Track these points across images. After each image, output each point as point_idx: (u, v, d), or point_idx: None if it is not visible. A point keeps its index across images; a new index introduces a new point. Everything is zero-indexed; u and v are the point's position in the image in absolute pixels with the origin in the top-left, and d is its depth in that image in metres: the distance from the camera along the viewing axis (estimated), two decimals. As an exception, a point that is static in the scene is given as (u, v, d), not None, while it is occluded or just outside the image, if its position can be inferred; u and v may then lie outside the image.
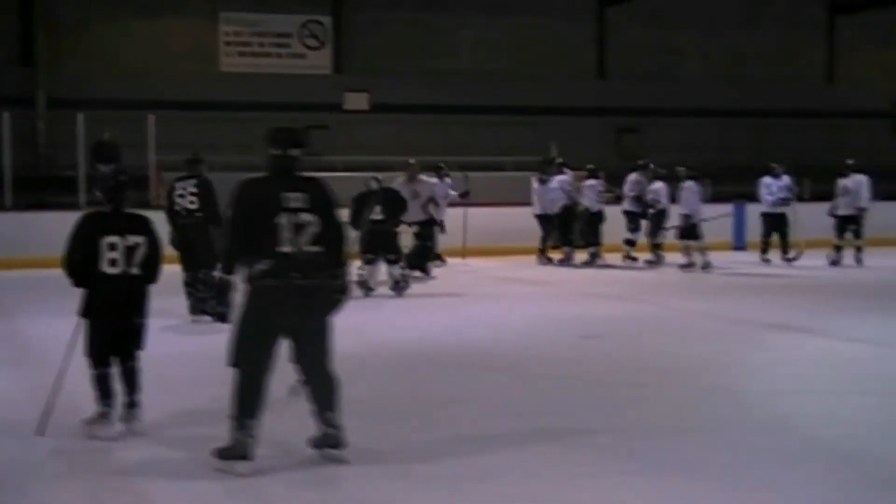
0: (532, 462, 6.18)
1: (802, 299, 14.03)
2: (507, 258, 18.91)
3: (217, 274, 6.15)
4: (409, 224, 15.47)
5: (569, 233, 18.34)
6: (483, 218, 18.98)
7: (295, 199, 5.92)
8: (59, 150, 22.75)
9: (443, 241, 17.70)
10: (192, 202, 11.56)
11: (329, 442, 6.04)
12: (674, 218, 18.13)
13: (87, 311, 6.68)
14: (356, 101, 26.75)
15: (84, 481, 5.91)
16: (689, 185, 17.65)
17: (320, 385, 6.02)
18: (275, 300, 5.81)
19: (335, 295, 5.95)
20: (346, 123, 26.11)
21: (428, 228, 16.53)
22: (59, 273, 6.80)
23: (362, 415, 6.85)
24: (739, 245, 21.30)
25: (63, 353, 6.84)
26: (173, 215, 11.58)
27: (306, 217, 5.90)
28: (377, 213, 13.87)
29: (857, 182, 18.28)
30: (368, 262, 14.03)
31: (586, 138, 27.06)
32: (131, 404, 6.76)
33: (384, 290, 14.20)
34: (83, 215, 6.86)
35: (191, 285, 11.58)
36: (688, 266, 17.45)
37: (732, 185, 21.30)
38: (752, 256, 19.15)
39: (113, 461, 6.26)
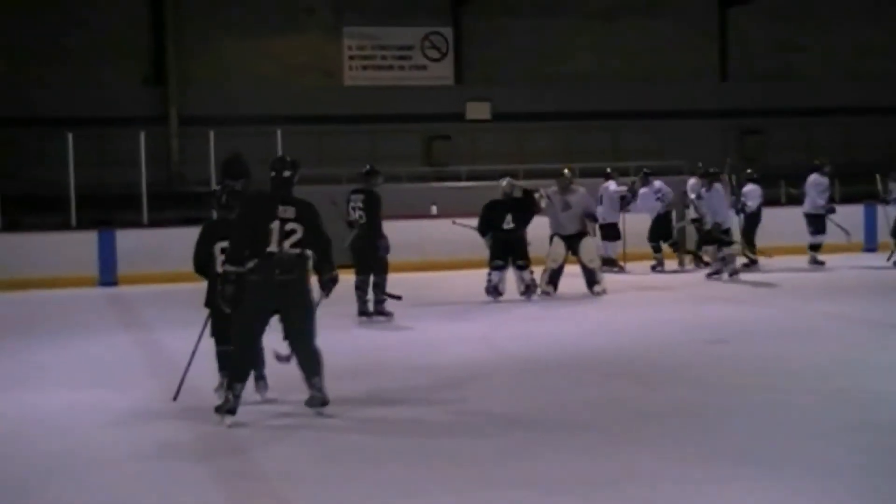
0: (667, 465, 6.17)
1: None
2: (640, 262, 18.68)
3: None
4: (562, 237, 14.69)
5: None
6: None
7: (284, 210, 7.47)
8: (191, 166, 23.35)
9: (609, 246, 17.87)
10: (360, 216, 12.57)
11: (315, 402, 7.53)
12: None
13: (208, 302, 7.96)
14: (478, 110, 26.91)
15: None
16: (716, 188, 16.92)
17: (306, 357, 7.53)
18: (261, 291, 7.38)
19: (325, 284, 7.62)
20: (468, 133, 26.28)
21: (576, 242, 14.75)
22: (193, 286, 7.99)
23: (489, 420, 6.91)
24: (870, 246, 20.81)
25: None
26: (350, 225, 12.65)
27: (292, 225, 7.45)
28: (508, 222, 14.13)
29: None
30: (497, 268, 14.27)
31: (708, 141, 26.75)
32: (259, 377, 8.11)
33: (514, 295, 14.35)
34: (203, 225, 8.31)
35: (360, 289, 12.62)
36: (714, 273, 16.61)
37: (861, 185, 20.85)
38: (881, 258, 18.73)
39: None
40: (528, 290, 14.34)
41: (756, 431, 6.95)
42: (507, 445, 6.73)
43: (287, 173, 7.69)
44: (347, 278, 12.29)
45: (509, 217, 14.12)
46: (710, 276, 16.63)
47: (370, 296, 12.68)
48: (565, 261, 14.76)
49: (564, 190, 14.83)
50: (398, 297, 12.87)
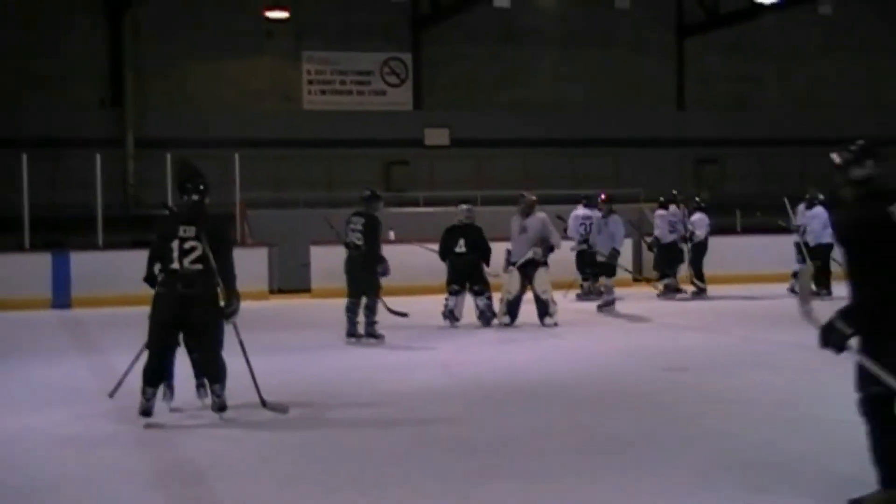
0: (626, 494, 6.13)
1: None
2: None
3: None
4: (514, 263, 14.24)
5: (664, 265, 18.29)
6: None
7: (185, 230, 8.11)
8: (147, 188, 23.19)
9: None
10: (358, 238, 12.80)
11: (215, 407, 8.28)
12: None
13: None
14: (437, 136, 27.00)
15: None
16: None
17: (209, 365, 8.30)
18: (165, 303, 8.15)
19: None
20: (426, 158, 26.34)
21: (530, 270, 14.30)
22: (145, 311, 8.28)
23: (450, 446, 6.84)
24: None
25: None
26: (346, 246, 12.96)
27: (192, 243, 8.07)
28: (461, 246, 14.28)
29: None
30: (453, 293, 14.38)
31: (665, 169, 26.95)
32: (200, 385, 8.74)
33: (473, 320, 14.37)
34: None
35: (351, 311, 12.85)
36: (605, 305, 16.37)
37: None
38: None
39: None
40: (483, 316, 14.33)
41: (714, 460, 6.93)
42: (463, 471, 6.66)
43: (194, 196, 8.30)
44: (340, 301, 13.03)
45: (462, 242, 14.25)
46: (600, 308, 16.29)
47: (360, 318, 12.87)
48: (523, 290, 14.31)
49: (524, 214, 14.39)
50: (404, 315, 13.45)
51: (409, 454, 7.19)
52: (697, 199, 18.93)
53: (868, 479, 5.77)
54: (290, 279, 19.56)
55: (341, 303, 13.16)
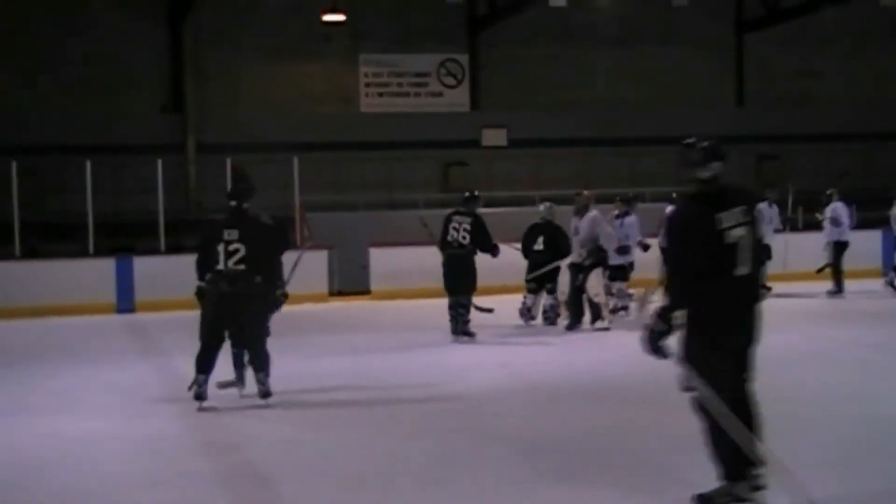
0: (693, 490, 6.15)
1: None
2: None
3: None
4: (571, 266, 13.94)
5: None
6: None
7: (229, 233, 8.94)
8: (209, 193, 23.41)
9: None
10: (464, 237, 13.19)
11: (261, 394, 9.07)
12: None
13: None
14: (494, 136, 26.96)
15: None
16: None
17: (255, 356, 9.12)
18: (211, 300, 8.99)
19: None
20: (484, 159, 26.31)
21: (584, 272, 13.79)
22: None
23: (508, 446, 6.89)
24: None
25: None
26: (445, 245, 13.31)
27: (236, 245, 8.90)
28: (539, 244, 14.50)
29: None
30: (531, 290, 14.63)
31: (726, 167, 26.71)
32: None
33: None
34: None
35: (454, 309, 13.21)
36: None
37: (881, 210, 20.73)
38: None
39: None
40: (546, 315, 14.51)
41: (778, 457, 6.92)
42: (529, 473, 6.70)
43: (233, 202, 9.16)
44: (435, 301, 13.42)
45: (540, 239, 14.47)
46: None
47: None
48: (580, 292, 13.88)
49: (577, 213, 14.05)
50: (489, 311, 13.68)
51: (469, 453, 7.24)
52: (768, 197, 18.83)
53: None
54: (349, 281, 19.68)
55: (400, 304, 13.26)
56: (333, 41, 26.30)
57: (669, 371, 8.99)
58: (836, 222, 17.66)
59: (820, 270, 18.00)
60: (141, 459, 7.41)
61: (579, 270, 13.75)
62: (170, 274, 17.93)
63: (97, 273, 18.06)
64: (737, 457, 5.60)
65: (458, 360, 11.75)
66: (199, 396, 8.99)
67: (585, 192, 14.35)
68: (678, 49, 28.05)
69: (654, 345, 5.59)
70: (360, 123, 26.14)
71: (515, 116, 26.85)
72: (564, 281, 14.16)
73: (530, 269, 14.50)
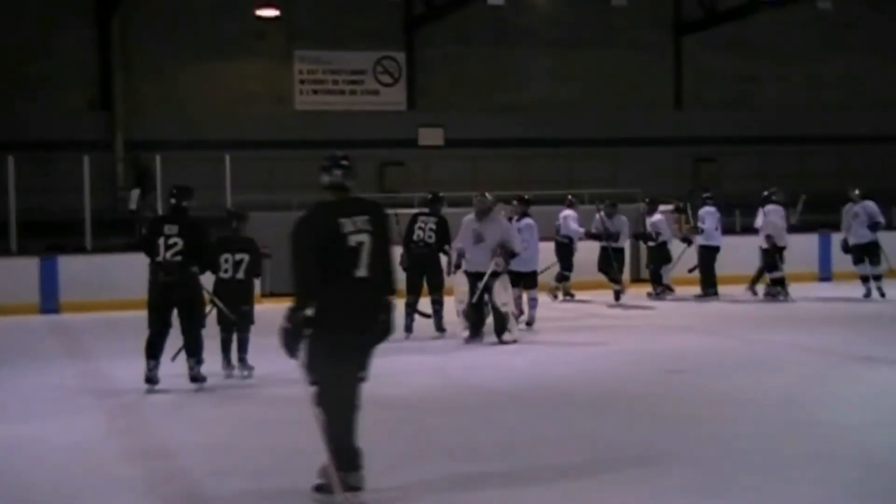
0: (613, 499, 6.14)
1: (888, 330, 13.86)
2: (587, 292, 18.75)
3: None
4: (471, 274, 13.14)
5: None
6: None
7: (169, 228, 9.99)
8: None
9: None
10: (430, 236, 13.60)
11: (191, 377, 10.03)
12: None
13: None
14: (431, 136, 26.95)
15: None
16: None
17: (190, 342, 10.05)
18: (156, 290, 9.96)
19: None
20: (421, 159, 26.27)
21: (490, 280, 13.04)
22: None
23: (442, 454, 6.85)
24: (825, 276, 21.03)
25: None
26: (409, 244, 13.62)
27: (174, 240, 9.89)
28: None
29: None
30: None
31: (662, 169, 26.97)
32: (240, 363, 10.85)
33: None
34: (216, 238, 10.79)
35: (411, 307, 13.65)
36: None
37: (817, 214, 21.02)
38: (837, 288, 18.92)
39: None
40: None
41: (709, 462, 6.94)
42: (457, 478, 6.66)
43: (173, 200, 10.21)
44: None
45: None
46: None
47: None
48: (480, 299, 13.15)
49: (480, 216, 13.14)
50: (429, 316, 13.77)
51: (403, 459, 7.19)
52: (707, 194, 19.10)
53: (873, 483, 5.77)
54: (282, 282, 19.48)
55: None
56: (267, 38, 26.13)
57: (601, 374, 8.96)
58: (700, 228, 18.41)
59: (691, 270, 18.58)
60: (67, 466, 7.25)
61: (477, 278, 12.98)
62: (96, 274, 17.83)
63: (21, 272, 17.80)
64: (349, 450, 6.12)
65: (392, 365, 11.69)
66: (150, 380, 9.88)
67: (485, 196, 13.32)
68: (617, 51, 28.22)
69: (288, 343, 6.02)
70: (294, 121, 26.01)
71: (453, 116, 26.85)
72: (464, 290, 13.27)
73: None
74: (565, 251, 18.16)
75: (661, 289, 18.29)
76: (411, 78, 27.16)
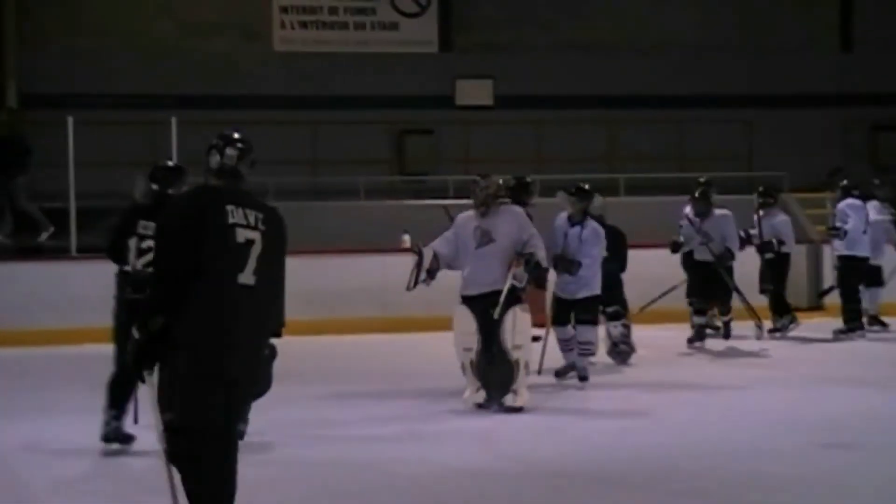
0: None
1: None
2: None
3: None
4: (470, 299, 12.58)
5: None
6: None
7: (145, 225, 10.06)
8: (39, 168, 23.15)
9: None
10: None
11: None
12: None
13: None
14: (474, 92, 26.93)
15: None
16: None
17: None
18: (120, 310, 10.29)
19: None
20: (458, 125, 26.22)
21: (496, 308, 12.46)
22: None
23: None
24: None
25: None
26: None
27: (149, 242, 9.71)
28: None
29: None
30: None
31: (818, 140, 26.82)
32: None
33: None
34: None
35: None
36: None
37: None
38: None
39: None
40: (617, 350, 15.53)
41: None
42: None
43: (155, 186, 10.32)
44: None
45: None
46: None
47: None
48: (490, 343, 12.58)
49: (483, 208, 12.79)
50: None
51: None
52: (845, 182, 19.01)
53: None
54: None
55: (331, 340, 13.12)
56: (233, -59, 26.28)
57: (718, 447, 8.88)
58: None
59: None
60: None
61: (486, 304, 12.39)
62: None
63: None
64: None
65: (418, 427, 11.73)
66: (108, 437, 10.07)
67: (489, 179, 12.84)
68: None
69: (137, 361, 6.52)
70: (272, 69, 26.08)
71: (505, 61, 26.82)
72: (460, 326, 12.68)
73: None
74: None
75: (790, 319, 18.35)
76: (445, 4, 27.15)
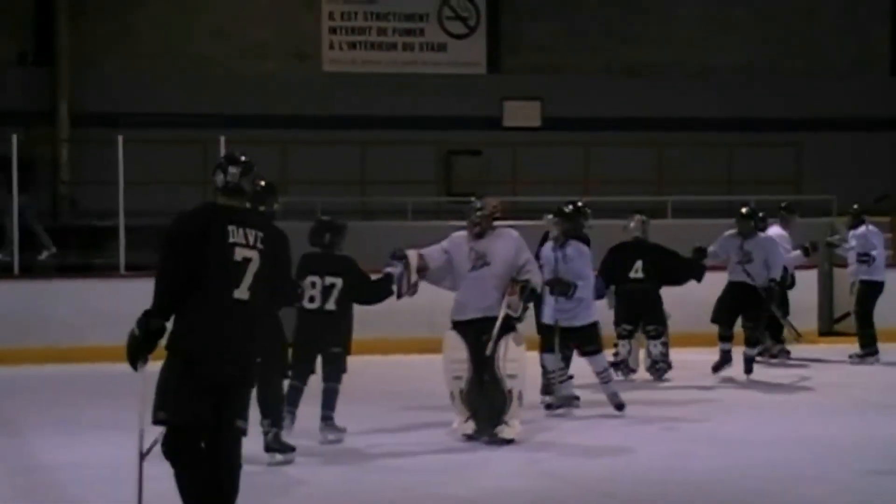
0: None
1: None
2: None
3: None
4: (465, 324, 12.07)
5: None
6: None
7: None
8: (88, 187, 23.22)
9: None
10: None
11: (266, 444, 10.83)
12: None
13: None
14: (522, 113, 26.91)
15: None
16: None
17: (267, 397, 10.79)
18: None
19: None
20: (506, 146, 26.17)
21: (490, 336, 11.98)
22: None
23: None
24: None
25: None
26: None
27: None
28: (636, 271, 15.70)
29: None
30: (624, 335, 16.20)
31: (872, 160, 26.70)
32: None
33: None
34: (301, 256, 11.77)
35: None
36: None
37: None
38: None
39: None
40: (657, 367, 16.14)
41: None
42: None
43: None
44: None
45: (639, 265, 15.77)
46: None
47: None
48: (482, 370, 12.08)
49: (477, 231, 12.30)
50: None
51: None
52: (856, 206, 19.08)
53: None
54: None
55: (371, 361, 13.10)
56: (283, -36, 26.32)
57: (770, 472, 8.82)
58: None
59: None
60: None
61: (479, 331, 11.97)
62: (23, 308, 17.92)
63: None
64: None
65: (464, 449, 11.76)
66: (268, 448, 10.79)
67: (486, 201, 12.46)
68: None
69: (132, 354, 7.18)
70: (320, 88, 26.08)
71: (555, 83, 26.77)
72: (450, 352, 12.22)
73: (625, 305, 15.93)
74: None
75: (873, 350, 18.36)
76: (494, 26, 27.13)
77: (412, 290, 12.19)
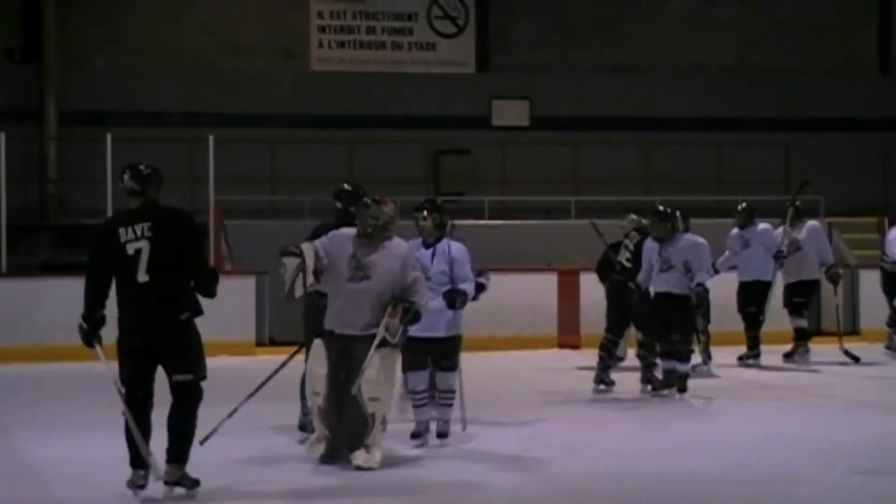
0: None
1: None
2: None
3: None
4: (337, 337, 10.73)
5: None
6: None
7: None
8: (75, 186, 23.19)
9: None
10: (627, 258, 15.00)
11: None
12: None
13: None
14: (510, 112, 26.92)
15: None
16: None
17: None
18: None
19: None
20: (495, 146, 26.17)
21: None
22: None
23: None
24: None
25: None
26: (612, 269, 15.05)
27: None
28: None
29: None
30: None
31: (860, 161, 26.71)
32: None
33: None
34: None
35: (607, 350, 15.18)
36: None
37: None
38: None
39: None
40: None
41: None
42: None
43: (339, 205, 11.93)
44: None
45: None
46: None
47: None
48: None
49: (365, 237, 10.88)
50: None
51: None
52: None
53: None
54: (289, 325, 19.27)
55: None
56: (271, -37, 26.31)
57: (762, 471, 8.83)
58: None
59: None
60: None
61: (347, 347, 10.76)
62: (13, 306, 17.92)
63: None
64: (131, 447, 9.07)
65: (469, 447, 11.70)
66: (302, 426, 11.66)
67: (382, 203, 11.12)
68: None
69: (86, 340, 9.08)
70: (309, 88, 26.08)
71: (543, 82, 26.79)
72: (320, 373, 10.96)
73: (618, 306, 15.39)
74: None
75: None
76: (483, 25, 27.12)
77: (313, 286, 10.65)
